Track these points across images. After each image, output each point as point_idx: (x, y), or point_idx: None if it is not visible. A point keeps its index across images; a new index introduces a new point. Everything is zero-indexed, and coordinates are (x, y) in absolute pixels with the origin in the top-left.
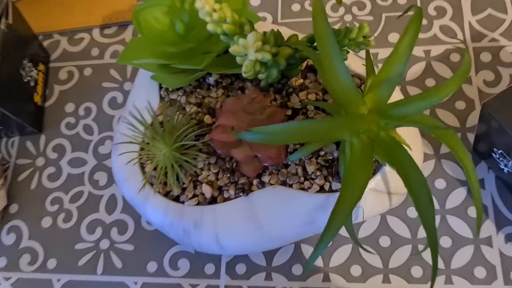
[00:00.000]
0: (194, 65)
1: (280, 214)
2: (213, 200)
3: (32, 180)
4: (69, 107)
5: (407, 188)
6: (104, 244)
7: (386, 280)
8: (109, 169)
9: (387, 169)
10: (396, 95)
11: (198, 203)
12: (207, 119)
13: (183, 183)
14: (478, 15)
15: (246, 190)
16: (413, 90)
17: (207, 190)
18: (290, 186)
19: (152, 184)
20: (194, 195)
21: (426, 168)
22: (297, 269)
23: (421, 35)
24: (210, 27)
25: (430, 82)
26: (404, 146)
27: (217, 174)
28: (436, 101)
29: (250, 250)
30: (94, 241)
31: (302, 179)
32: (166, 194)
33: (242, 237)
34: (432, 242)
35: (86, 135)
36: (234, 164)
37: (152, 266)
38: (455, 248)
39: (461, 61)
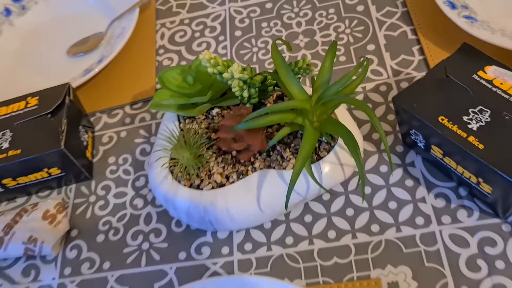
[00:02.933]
0: (201, 99)
1: (269, 187)
2: (222, 185)
3: (87, 211)
4: (111, 160)
5: (344, 141)
6: (145, 245)
7: (354, 237)
8: (144, 196)
9: (337, 148)
10: (344, 112)
11: (212, 188)
12: (213, 135)
13: (201, 177)
14: (395, 60)
15: (244, 174)
16: (358, 113)
17: (217, 178)
18: (273, 168)
19: (179, 181)
20: (209, 183)
21: (372, 160)
22: (289, 240)
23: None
24: (209, 70)
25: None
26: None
27: (223, 167)
28: (346, 82)
29: (253, 219)
30: (137, 245)
31: (280, 162)
32: (190, 186)
33: (245, 207)
34: (361, 173)
35: (125, 176)
36: (234, 159)
37: (182, 255)
38: (400, 208)
39: (387, 91)
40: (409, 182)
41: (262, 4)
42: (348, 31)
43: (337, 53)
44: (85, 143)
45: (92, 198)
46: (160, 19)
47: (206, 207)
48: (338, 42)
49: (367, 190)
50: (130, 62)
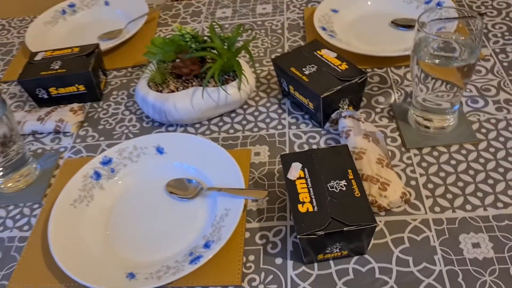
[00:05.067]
0: (170, 49)
1: (197, 95)
2: (174, 92)
3: (95, 115)
4: (114, 92)
5: (236, 69)
6: (126, 131)
7: (243, 133)
8: (130, 110)
9: (238, 81)
10: (245, 65)
11: (168, 92)
12: (174, 70)
13: (163, 88)
14: None
15: (186, 88)
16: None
17: (172, 88)
18: (202, 86)
19: (151, 88)
20: (167, 90)
21: (263, 101)
22: (207, 132)
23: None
24: (176, 32)
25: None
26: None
27: (176, 84)
28: (235, 41)
29: (188, 113)
30: (121, 131)
31: (207, 85)
32: (156, 91)
33: (184, 104)
34: (239, 78)
35: (121, 100)
36: (183, 81)
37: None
38: (270, 122)
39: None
40: (280, 111)
41: (223, 19)
42: (268, 41)
43: (257, 49)
44: (101, 80)
45: (99, 109)
46: (159, 27)
47: (163, 101)
48: (260, 46)
49: (257, 113)
50: (135, 46)
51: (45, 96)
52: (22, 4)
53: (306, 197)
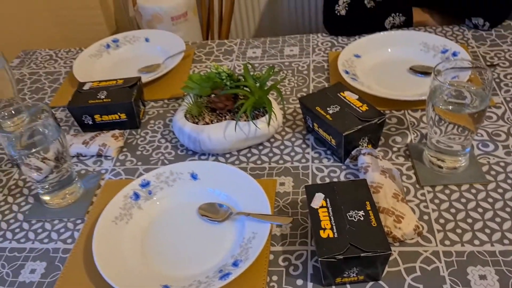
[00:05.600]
0: (206, 85)
1: (230, 128)
2: (208, 124)
3: (133, 141)
4: (152, 121)
5: (266, 106)
6: (161, 157)
7: (269, 164)
8: (166, 138)
9: (267, 116)
10: (274, 103)
11: (203, 124)
12: (209, 104)
13: (199, 120)
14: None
15: (220, 121)
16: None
17: (207, 120)
18: (234, 120)
19: (187, 120)
20: (202, 122)
21: (288, 136)
22: (236, 162)
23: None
24: (213, 70)
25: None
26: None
27: (211, 117)
28: (268, 78)
29: (220, 143)
30: (158, 157)
31: (239, 119)
32: (193, 122)
33: (217, 135)
34: (270, 114)
35: (157, 129)
36: (217, 114)
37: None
38: (295, 155)
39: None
40: (304, 146)
41: (253, 59)
42: (294, 80)
43: (284, 88)
44: (140, 109)
45: (137, 136)
46: (194, 63)
47: (198, 132)
48: (287, 85)
49: (283, 147)
50: (172, 79)
51: (90, 122)
52: (66, 36)
53: (327, 224)
